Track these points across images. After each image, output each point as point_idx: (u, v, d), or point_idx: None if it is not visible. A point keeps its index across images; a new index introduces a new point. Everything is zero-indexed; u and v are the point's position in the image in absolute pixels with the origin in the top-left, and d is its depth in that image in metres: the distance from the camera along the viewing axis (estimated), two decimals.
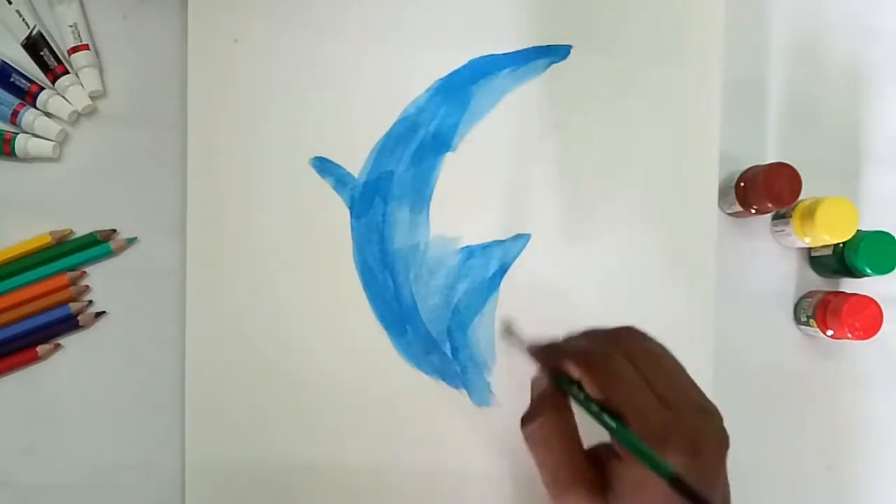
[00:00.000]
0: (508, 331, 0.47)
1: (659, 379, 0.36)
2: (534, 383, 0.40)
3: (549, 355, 0.39)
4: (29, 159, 0.49)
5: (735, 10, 0.52)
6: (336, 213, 0.49)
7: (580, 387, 0.37)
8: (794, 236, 0.49)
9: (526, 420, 0.37)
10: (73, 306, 0.49)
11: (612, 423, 0.34)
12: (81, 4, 0.50)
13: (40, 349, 0.49)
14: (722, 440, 0.35)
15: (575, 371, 0.37)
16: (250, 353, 0.49)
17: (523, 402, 0.39)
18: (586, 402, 0.36)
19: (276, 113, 0.50)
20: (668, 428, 0.33)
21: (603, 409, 0.35)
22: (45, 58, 0.50)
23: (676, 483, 0.31)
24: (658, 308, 0.50)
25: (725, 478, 0.35)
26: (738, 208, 0.50)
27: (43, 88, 0.49)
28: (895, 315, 0.48)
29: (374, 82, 0.50)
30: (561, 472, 0.35)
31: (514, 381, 0.49)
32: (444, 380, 0.49)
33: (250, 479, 0.49)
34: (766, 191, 0.47)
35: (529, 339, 0.42)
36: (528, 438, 0.37)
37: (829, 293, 0.50)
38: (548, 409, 0.37)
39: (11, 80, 0.49)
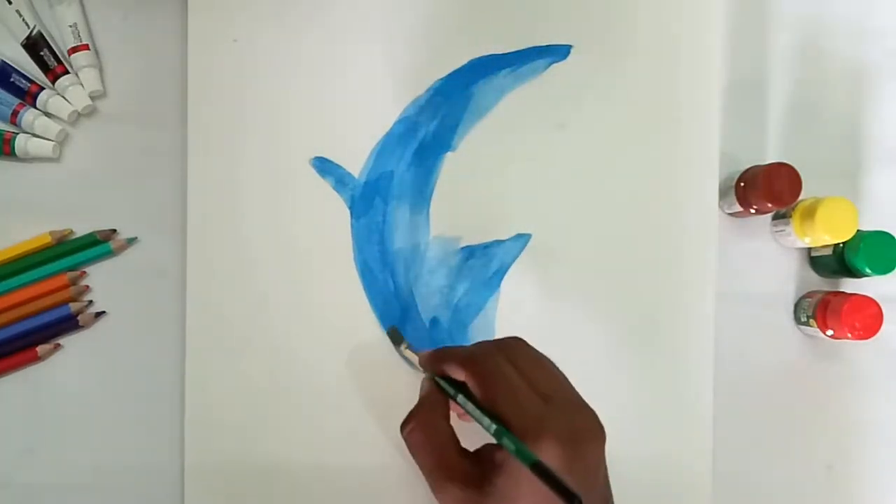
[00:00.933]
0: (396, 339, 0.48)
1: (538, 378, 0.38)
2: (421, 386, 0.42)
3: (435, 360, 0.41)
4: (29, 159, 0.49)
5: (735, 10, 0.52)
6: (336, 213, 0.49)
7: (463, 391, 0.38)
8: (794, 236, 0.49)
9: (404, 423, 0.39)
10: (73, 306, 0.49)
11: (485, 418, 0.36)
12: (81, 4, 0.50)
13: (40, 349, 0.49)
14: (598, 434, 0.36)
15: (459, 373, 0.39)
16: (250, 354, 0.49)
17: None
18: (464, 403, 0.38)
19: (275, 113, 0.50)
20: (546, 419, 0.35)
21: (480, 408, 0.37)
22: (45, 58, 0.50)
23: (538, 468, 0.32)
24: (658, 308, 0.50)
25: (606, 475, 0.37)
26: (738, 208, 0.50)
27: (43, 88, 0.49)
28: (895, 315, 0.48)
29: (374, 82, 0.50)
30: (436, 470, 0.37)
31: None
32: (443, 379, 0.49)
33: (250, 480, 0.49)
34: (766, 191, 0.47)
35: (418, 348, 0.45)
36: (406, 440, 0.38)
37: (829, 293, 0.50)
38: (423, 412, 0.39)
39: (11, 80, 0.49)
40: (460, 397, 0.38)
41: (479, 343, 0.42)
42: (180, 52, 0.50)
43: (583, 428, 0.36)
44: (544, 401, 0.36)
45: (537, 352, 0.40)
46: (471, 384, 0.38)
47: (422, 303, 0.49)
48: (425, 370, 0.42)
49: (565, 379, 0.39)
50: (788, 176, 0.47)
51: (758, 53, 0.53)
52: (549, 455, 0.33)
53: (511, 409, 0.36)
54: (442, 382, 0.40)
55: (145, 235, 0.50)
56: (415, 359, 0.45)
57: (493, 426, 0.35)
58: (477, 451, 0.39)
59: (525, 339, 0.41)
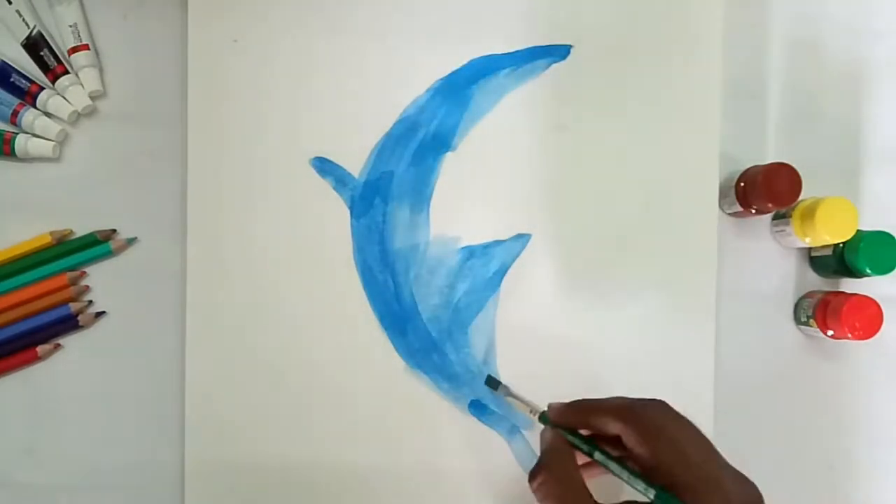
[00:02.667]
0: (493, 384, 0.48)
1: (695, 440, 0.36)
2: (542, 436, 0.41)
3: (575, 413, 0.40)
4: (29, 159, 0.49)
5: (735, 10, 0.52)
6: (336, 213, 0.49)
7: (598, 446, 0.38)
8: (794, 236, 0.49)
9: (532, 475, 0.38)
10: (73, 306, 0.49)
11: (637, 479, 0.35)
12: (81, 4, 0.50)
13: (40, 349, 0.49)
14: None
15: (612, 425, 0.37)
16: (250, 354, 0.49)
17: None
18: (605, 461, 0.37)
19: (276, 113, 0.50)
20: (723, 482, 0.34)
21: (624, 465, 0.36)
22: (45, 58, 0.50)
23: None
24: (658, 308, 0.50)
25: None
26: (738, 208, 0.50)
27: (43, 88, 0.49)
28: (895, 315, 0.48)
29: (374, 82, 0.50)
30: None
31: (514, 380, 0.49)
32: (444, 380, 0.49)
33: (250, 479, 0.49)
34: (766, 191, 0.47)
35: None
36: (536, 492, 0.38)
37: (829, 293, 0.50)
38: (554, 463, 0.38)
39: (11, 80, 0.49)
40: (599, 455, 0.37)
41: (624, 398, 0.40)
42: (180, 52, 0.50)
43: (754, 498, 0.35)
44: (712, 463, 0.35)
45: (683, 416, 0.38)
46: (629, 438, 0.37)
47: (422, 303, 0.49)
48: (555, 422, 0.41)
49: (714, 447, 0.37)
50: (788, 176, 0.47)
51: (758, 54, 0.53)
52: None
53: (680, 468, 0.34)
54: (572, 438, 0.39)
55: (145, 235, 0.50)
56: (522, 406, 0.45)
57: (652, 490, 0.34)
58: None
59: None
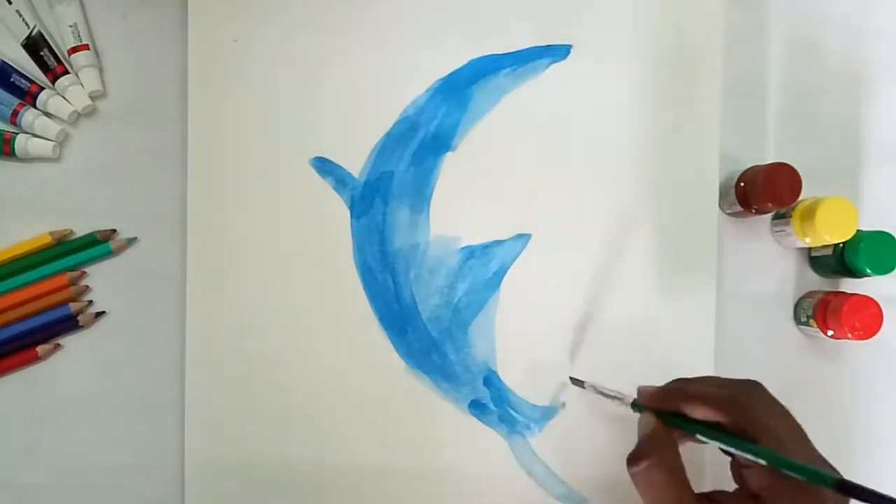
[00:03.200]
0: (577, 383, 0.48)
1: (797, 435, 0.37)
2: (640, 423, 0.40)
3: (671, 398, 0.40)
4: (29, 159, 0.49)
5: (735, 10, 0.52)
6: (336, 213, 0.49)
7: (703, 428, 0.37)
8: (794, 236, 0.49)
9: (633, 460, 0.37)
10: (73, 306, 0.49)
11: (754, 448, 0.35)
12: (81, 4, 0.50)
13: (40, 349, 0.49)
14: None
15: (710, 413, 0.37)
16: (250, 354, 0.49)
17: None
18: (718, 436, 0.37)
19: (276, 113, 0.50)
20: (813, 457, 0.34)
21: (736, 438, 0.36)
22: (45, 58, 0.50)
23: (844, 486, 0.32)
24: (659, 308, 0.50)
25: None
26: (738, 208, 0.50)
27: (43, 88, 0.49)
28: (895, 315, 0.48)
29: (374, 82, 0.50)
30: None
31: (514, 380, 0.49)
32: (444, 380, 0.49)
33: (250, 479, 0.49)
34: (766, 191, 0.47)
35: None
36: (637, 477, 0.37)
37: (829, 293, 0.50)
38: (656, 449, 0.38)
39: (11, 80, 0.49)
40: (712, 434, 0.37)
41: (716, 379, 0.40)
42: (180, 52, 0.50)
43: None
44: (809, 457, 0.35)
45: (779, 403, 0.38)
46: (731, 427, 0.37)
47: (422, 303, 0.49)
48: (651, 407, 0.40)
49: (807, 437, 0.37)
50: (788, 176, 0.47)
51: (758, 53, 0.53)
52: None
53: (774, 442, 0.35)
54: (678, 422, 0.39)
55: (145, 235, 0.50)
56: (610, 399, 0.44)
57: (775, 454, 0.34)
58: (707, 494, 0.38)
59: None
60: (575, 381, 0.48)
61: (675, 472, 0.37)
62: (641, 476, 0.37)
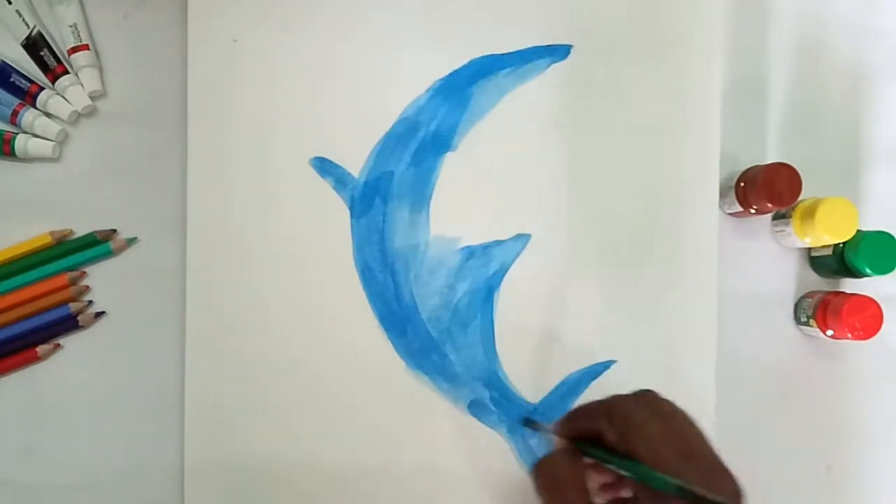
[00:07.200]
0: (529, 423, 0.48)
1: (677, 433, 0.36)
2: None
3: (569, 419, 0.40)
4: (29, 159, 0.49)
5: (735, 10, 0.52)
6: (336, 213, 0.49)
7: (599, 445, 0.38)
8: (794, 236, 0.49)
9: (536, 465, 0.38)
10: (73, 306, 0.49)
11: (625, 462, 0.35)
12: (81, 4, 0.50)
13: (40, 349, 0.49)
14: (739, 501, 0.35)
15: (594, 423, 0.37)
16: (250, 354, 0.49)
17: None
18: (605, 455, 0.37)
19: (276, 113, 0.50)
20: (686, 476, 0.34)
21: (617, 456, 0.36)
22: (45, 58, 0.50)
23: (683, 491, 0.32)
24: (659, 308, 0.50)
25: None
26: (738, 208, 0.50)
27: (43, 88, 0.49)
28: (895, 315, 0.48)
29: (374, 82, 0.50)
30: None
31: (514, 379, 0.49)
32: (444, 380, 0.49)
33: (250, 479, 0.49)
34: (766, 191, 0.47)
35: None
36: (538, 476, 0.37)
37: (829, 293, 0.50)
38: (559, 454, 0.38)
39: (11, 80, 0.49)
40: (608, 456, 0.37)
41: (615, 395, 0.40)
42: (180, 52, 0.50)
43: (723, 493, 0.34)
44: (685, 458, 0.35)
45: (674, 405, 0.38)
46: (608, 435, 0.37)
47: (422, 303, 0.49)
48: (560, 435, 0.40)
49: (705, 437, 0.37)
50: (788, 176, 0.47)
51: (758, 53, 0.53)
52: None
53: (651, 462, 0.35)
54: (580, 444, 0.39)
55: (145, 235, 0.50)
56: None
57: (638, 466, 0.35)
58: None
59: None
60: (528, 424, 0.48)
61: (575, 473, 0.37)
62: (541, 473, 0.37)
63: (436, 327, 0.49)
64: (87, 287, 0.50)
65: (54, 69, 0.49)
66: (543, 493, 0.37)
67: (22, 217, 0.49)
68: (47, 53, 0.50)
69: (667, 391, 0.49)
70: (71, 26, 0.49)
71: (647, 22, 0.51)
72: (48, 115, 0.50)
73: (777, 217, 0.51)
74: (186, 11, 0.49)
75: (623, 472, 0.36)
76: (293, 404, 0.49)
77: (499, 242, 0.50)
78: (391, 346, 0.49)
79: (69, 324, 0.49)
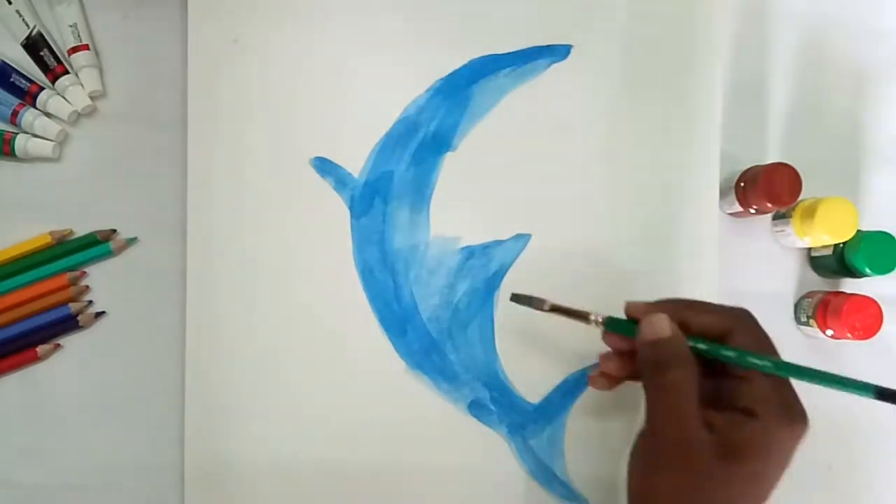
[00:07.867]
0: (516, 297, 0.44)
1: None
2: (648, 328, 0.39)
3: (690, 307, 0.39)
4: (29, 159, 0.49)
5: (736, 10, 0.52)
6: (336, 213, 0.49)
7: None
8: (794, 236, 0.49)
9: (656, 366, 0.37)
10: (73, 306, 0.49)
11: (783, 363, 0.36)
12: (81, 4, 0.50)
13: (40, 349, 0.49)
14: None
15: (729, 322, 0.38)
16: (250, 354, 0.49)
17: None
18: (721, 347, 0.37)
19: (276, 113, 0.50)
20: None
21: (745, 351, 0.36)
22: (45, 58, 0.50)
23: (885, 394, 0.34)
24: None
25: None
26: (738, 208, 0.50)
27: (43, 88, 0.49)
28: (895, 315, 0.48)
29: (374, 82, 0.50)
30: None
31: (514, 379, 0.49)
32: (444, 380, 0.49)
33: (250, 479, 0.49)
34: (766, 191, 0.47)
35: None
36: (655, 386, 0.36)
37: (829, 293, 0.50)
38: (684, 359, 0.37)
39: (11, 80, 0.49)
40: (713, 346, 0.36)
41: (731, 306, 0.40)
42: (180, 52, 0.50)
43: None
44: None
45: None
46: (740, 337, 0.37)
47: (422, 303, 0.49)
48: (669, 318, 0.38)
49: None
50: (788, 176, 0.47)
51: (759, 53, 0.53)
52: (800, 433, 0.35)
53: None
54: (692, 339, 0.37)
55: (145, 235, 0.50)
56: (572, 318, 0.41)
57: (805, 369, 0.35)
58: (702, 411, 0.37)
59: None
60: (520, 299, 0.44)
61: (695, 387, 0.36)
62: (666, 386, 0.35)
63: (436, 327, 0.49)
64: (87, 287, 0.50)
65: (54, 69, 0.49)
66: (652, 370, 0.36)
67: (22, 217, 0.49)
68: (47, 53, 0.50)
69: None
70: (71, 26, 0.49)
71: (647, 22, 0.51)
72: (48, 115, 0.50)
73: (777, 217, 0.51)
74: (186, 11, 0.49)
75: (770, 371, 0.36)
76: (293, 405, 0.49)
77: (499, 242, 0.50)
78: (391, 346, 0.49)
79: (69, 324, 0.49)
